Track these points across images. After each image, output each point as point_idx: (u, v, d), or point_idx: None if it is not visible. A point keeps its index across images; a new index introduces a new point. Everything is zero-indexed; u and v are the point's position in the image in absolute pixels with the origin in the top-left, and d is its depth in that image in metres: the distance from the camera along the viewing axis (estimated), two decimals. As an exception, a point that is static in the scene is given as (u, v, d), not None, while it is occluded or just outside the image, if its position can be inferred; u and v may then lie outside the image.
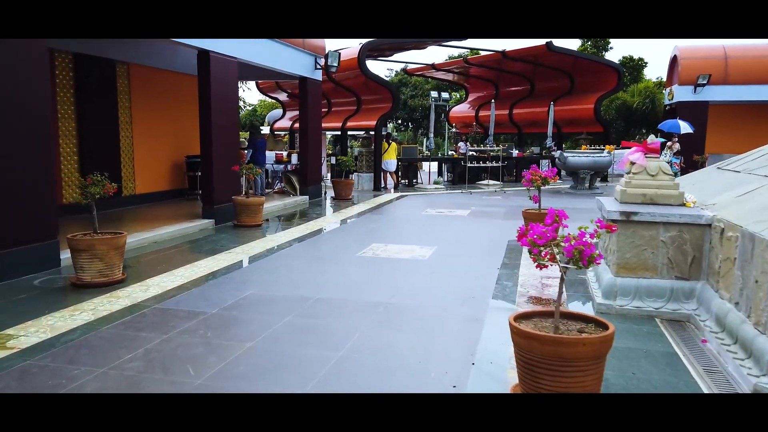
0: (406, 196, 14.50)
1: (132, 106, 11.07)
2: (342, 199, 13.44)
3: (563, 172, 20.00)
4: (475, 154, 20.05)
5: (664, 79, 26.20)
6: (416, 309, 4.92)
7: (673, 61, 21.14)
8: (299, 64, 12.38)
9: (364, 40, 15.81)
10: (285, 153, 13.73)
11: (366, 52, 15.18)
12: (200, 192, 11.97)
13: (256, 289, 5.48)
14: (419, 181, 17.95)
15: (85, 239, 5.45)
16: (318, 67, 13.19)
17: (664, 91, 23.44)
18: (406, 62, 24.58)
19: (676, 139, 17.26)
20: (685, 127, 17.32)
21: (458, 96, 33.32)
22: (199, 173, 11.88)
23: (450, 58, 33.04)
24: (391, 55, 19.99)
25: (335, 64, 13.01)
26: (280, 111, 25.28)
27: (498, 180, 19.12)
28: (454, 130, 25.36)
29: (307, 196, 13.10)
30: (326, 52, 13.10)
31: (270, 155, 13.45)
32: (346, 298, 5.23)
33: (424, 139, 34.13)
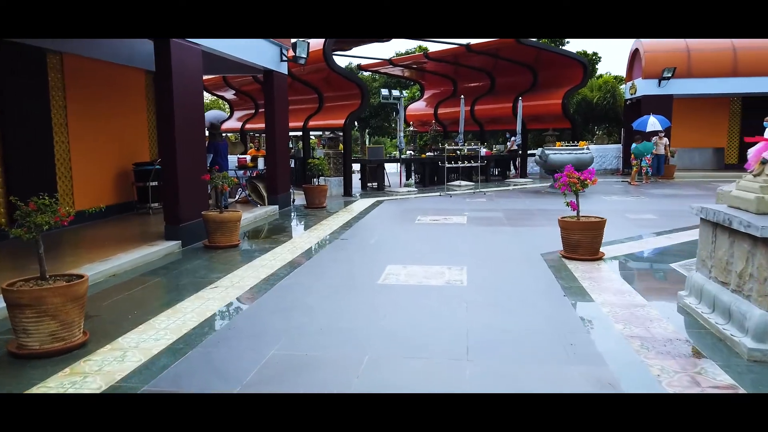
0: (382, 201, 13.21)
1: (67, 105, 9.17)
2: (315, 207, 11.98)
3: (541, 171, 19.40)
4: (442, 154, 19.04)
5: (617, 74, 26.24)
6: (511, 375, 3.65)
7: (634, 54, 20.92)
8: (264, 55, 10.82)
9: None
10: (248, 157, 12.08)
11: (332, 45, 13.75)
12: (152, 206, 10.23)
13: (278, 347, 4.03)
14: (388, 183, 16.69)
15: (30, 290, 3.83)
16: (284, 59, 11.66)
17: (623, 86, 23.31)
18: (360, 57, 23.23)
19: (663, 134, 16.90)
20: (653, 124, 16.97)
21: (409, 93, 32.31)
22: (151, 183, 10.14)
23: (407, 52, 31.94)
24: (351, 48, 18.61)
25: (304, 55, 11.54)
26: (218, 111, 23.38)
27: (469, 181, 18.18)
28: (411, 128, 24.22)
29: (277, 206, 11.56)
30: (293, 41, 11.59)
31: (232, 160, 11.80)
32: (407, 356, 3.88)
33: (388, 139, 32.90)
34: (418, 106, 25.75)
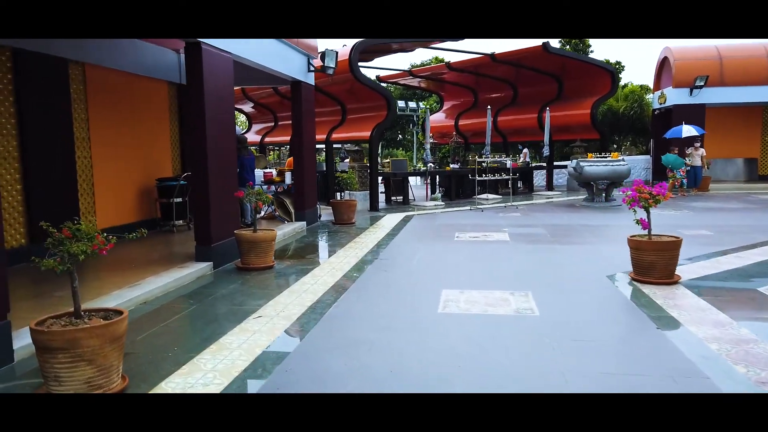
0: (411, 217, 12.65)
1: (90, 118, 8.72)
2: (344, 223, 11.44)
3: (575, 183, 18.77)
4: (466, 166, 18.50)
5: (640, 83, 25.62)
6: None
7: (663, 63, 20.34)
8: (292, 64, 10.35)
9: (349, 41, 13.94)
10: (274, 171, 11.57)
11: (358, 54, 13.29)
12: (176, 223, 9.73)
13: (348, 395, 3.46)
14: (412, 197, 16.15)
15: (63, 331, 3.29)
16: (311, 69, 11.19)
17: (650, 96, 22.71)
18: (379, 68, 22.79)
19: (699, 143, 16.26)
20: (689, 131, 16.35)
21: (426, 105, 31.86)
22: (175, 200, 9.65)
23: (422, 64, 31.55)
24: (373, 59, 18.17)
25: (332, 65, 11.05)
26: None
27: (495, 194, 17.60)
28: (430, 140, 23.67)
29: (305, 222, 11.03)
30: (321, 50, 11.13)
31: (258, 174, 11.30)
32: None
33: (402, 151, 32.35)
34: (438, 118, 25.23)
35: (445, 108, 25.04)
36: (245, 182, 9.57)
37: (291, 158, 11.98)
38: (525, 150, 25.70)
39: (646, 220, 6.22)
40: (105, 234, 3.47)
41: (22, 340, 4.19)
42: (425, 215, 12.97)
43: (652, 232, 6.23)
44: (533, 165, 20.54)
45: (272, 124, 19.92)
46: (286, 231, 10.05)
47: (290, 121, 19.52)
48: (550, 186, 19.05)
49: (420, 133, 32.59)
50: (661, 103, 20.00)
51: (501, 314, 5.05)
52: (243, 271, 7.13)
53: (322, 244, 9.51)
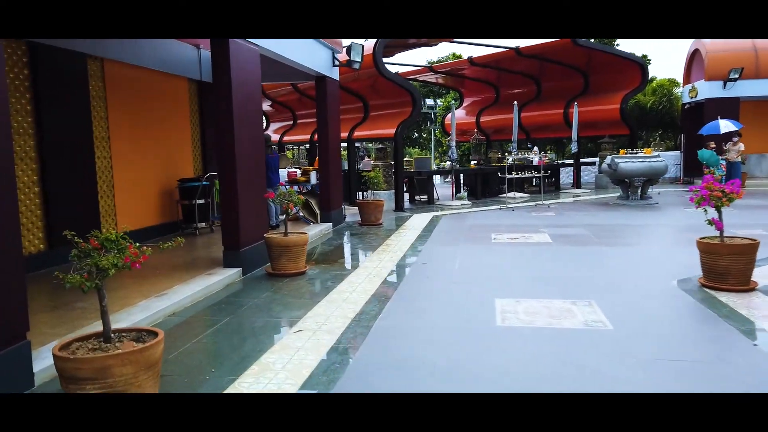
0: (440, 217, 12.14)
1: (109, 116, 8.31)
2: (371, 224, 10.96)
3: (604, 181, 18.15)
4: (490, 164, 17.97)
5: (670, 77, 24.81)
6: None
7: (693, 55, 19.61)
8: (317, 58, 9.88)
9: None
10: (299, 171, 11.11)
11: (382, 48, 12.79)
12: (198, 226, 9.31)
13: None
14: (437, 196, 15.62)
15: (92, 359, 2.83)
16: (336, 63, 10.71)
17: (678, 90, 21.97)
18: (397, 64, 22.27)
19: (737, 138, 15.58)
20: (726, 126, 15.66)
21: (444, 102, 31.29)
22: (198, 201, 9.23)
23: (439, 60, 30.95)
24: (394, 54, 17.66)
25: (358, 59, 10.58)
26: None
27: (522, 192, 17.03)
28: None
29: (331, 224, 10.57)
30: (347, 44, 10.65)
31: (281, 174, 10.85)
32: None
33: (418, 149, 31.78)
34: (458, 115, 24.63)
35: (465, 105, 24.47)
36: (270, 182, 9.14)
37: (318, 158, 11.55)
38: (535, 148, 24.79)
39: (719, 220, 5.66)
40: (137, 244, 3.01)
41: (42, 362, 3.75)
42: (453, 215, 12.45)
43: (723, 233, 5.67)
44: (558, 162, 19.89)
45: (291, 122, 19.50)
46: (313, 233, 9.59)
47: (309, 120, 19.20)
48: (577, 183, 18.42)
49: (438, 130, 32.06)
50: (691, 97, 19.28)
51: (569, 328, 4.53)
52: (274, 277, 6.68)
53: (353, 247, 9.03)
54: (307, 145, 17.32)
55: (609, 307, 5.02)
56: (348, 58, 10.48)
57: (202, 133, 10.86)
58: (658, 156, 13.73)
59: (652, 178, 13.45)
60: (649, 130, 22.51)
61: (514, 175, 14.41)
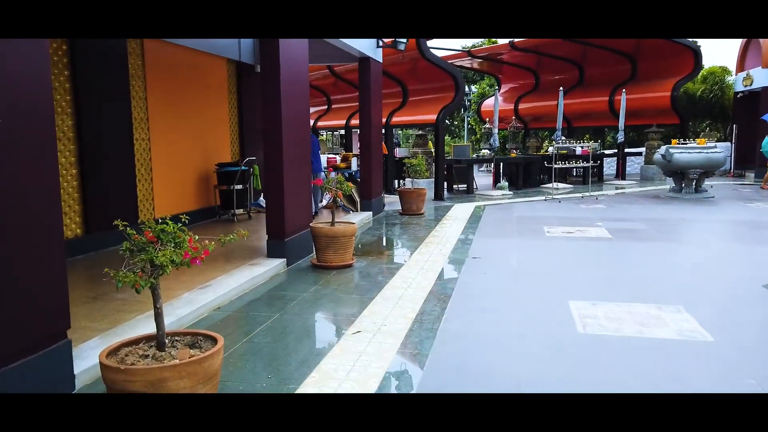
0: (483, 207, 11.61)
1: (148, 97, 7.98)
2: (412, 213, 10.50)
3: (649, 172, 17.37)
4: (530, 153, 17.35)
5: (721, 64, 23.64)
6: None
7: (748, 42, 18.56)
8: (361, 39, 9.39)
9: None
10: (338, 157, 10.67)
11: (426, 29, 12.20)
12: (236, 212, 8.97)
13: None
14: (475, 186, 15.06)
15: (145, 370, 2.44)
16: (380, 44, 10.22)
17: (730, 78, 20.90)
18: (435, 48, 21.62)
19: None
20: None
21: (479, 89, 30.50)
22: (236, 187, 8.88)
23: (473, 46, 30.10)
24: (431, 38, 17.05)
25: (404, 40, 10.06)
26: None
27: (564, 182, 16.36)
28: (486, 125, 22.39)
29: (371, 212, 10.14)
30: (392, 25, 10.12)
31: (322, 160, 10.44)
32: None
33: (449, 137, 31.01)
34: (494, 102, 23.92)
35: (502, 91, 23.69)
36: (313, 168, 8.76)
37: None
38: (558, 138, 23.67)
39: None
40: (197, 237, 2.60)
41: (83, 362, 3.40)
42: (497, 206, 11.91)
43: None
44: (601, 152, 19.09)
45: (325, 107, 19.06)
46: (354, 222, 9.15)
47: (344, 105, 18.74)
48: (623, 175, 17.63)
49: (472, 117, 31.32)
50: (745, 86, 18.28)
51: (663, 338, 4.02)
52: (320, 269, 6.28)
53: (397, 238, 8.59)
54: (342, 131, 16.89)
55: (701, 314, 4.48)
56: (393, 39, 9.97)
57: (239, 116, 10.50)
58: (715, 147, 12.93)
59: (710, 170, 12.68)
60: (697, 120, 21.49)
61: (561, 165, 13.74)
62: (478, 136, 30.89)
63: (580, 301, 4.91)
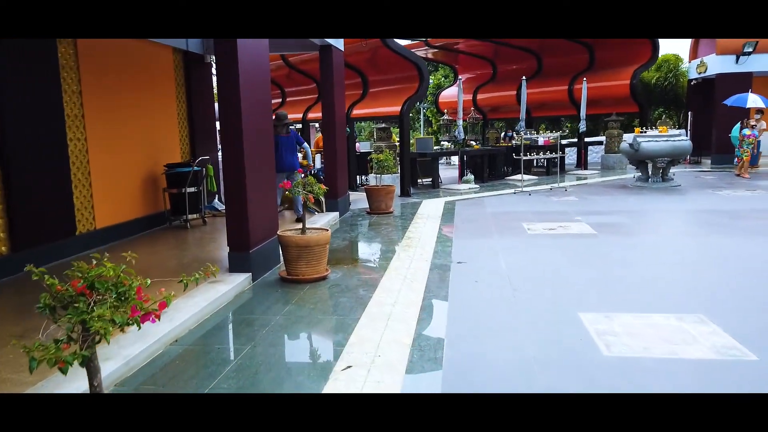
0: (453, 203, 11.09)
1: (83, 91, 7.00)
2: (381, 212, 9.85)
3: (610, 161, 17.29)
4: (496, 144, 17.00)
5: (673, 52, 23.93)
6: None
7: (702, 29, 18.72)
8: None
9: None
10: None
11: (387, 16, 11.52)
12: (189, 218, 8.12)
13: None
14: (440, 180, 14.54)
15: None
16: (342, 32, 9.45)
17: (683, 65, 21.13)
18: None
19: (760, 116, 14.76)
20: (755, 101, 14.83)
21: (434, 80, 30.03)
22: (188, 189, 8.03)
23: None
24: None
25: (367, 28, 9.32)
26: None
27: (529, 174, 16.04)
28: (445, 117, 21.92)
29: (337, 213, 9.44)
30: (354, 10, 9.39)
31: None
32: None
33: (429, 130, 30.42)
34: (452, 93, 23.47)
35: (457, 82, 23.28)
36: (292, 165, 8.04)
37: (320, 136, 10.36)
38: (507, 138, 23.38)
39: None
40: (148, 282, 1.87)
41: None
42: (466, 201, 11.41)
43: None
44: (562, 143, 18.93)
45: (279, 100, 18.12)
46: (320, 224, 8.43)
47: (299, 97, 17.84)
48: (584, 164, 17.49)
49: (428, 109, 30.88)
50: (699, 73, 18.45)
51: (700, 359, 3.52)
52: (291, 283, 5.55)
53: (371, 242, 7.91)
54: (299, 125, 16.05)
55: (729, 325, 4.03)
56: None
57: (189, 111, 9.56)
58: (680, 135, 12.83)
59: (676, 158, 12.57)
60: (651, 108, 21.68)
61: (528, 157, 13.36)
62: (435, 128, 30.49)
63: (590, 312, 4.38)
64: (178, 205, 8.34)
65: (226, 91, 5.30)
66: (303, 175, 6.38)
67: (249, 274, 5.53)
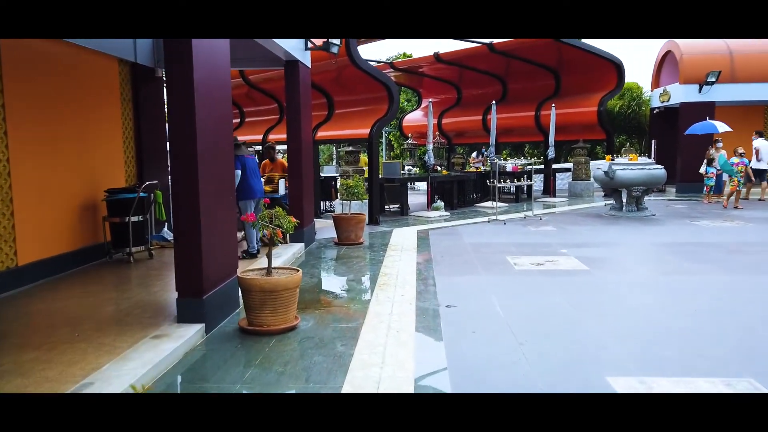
0: (426, 232, 10.37)
1: (5, 105, 5.95)
2: (351, 243, 9.02)
3: (578, 188, 17.00)
4: (463, 171, 16.49)
5: (634, 81, 24.21)
6: None
7: (664, 58, 18.87)
8: (287, 39, 7.85)
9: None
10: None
11: (356, 38, 10.87)
12: (133, 251, 7.11)
13: None
14: (409, 206, 13.82)
15: None
16: (309, 46, 8.72)
17: (647, 94, 21.28)
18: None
19: (720, 144, 14.68)
20: (722, 126, 14.82)
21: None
22: (132, 219, 7.02)
23: (395, 57, 29.21)
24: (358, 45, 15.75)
25: (337, 42, 8.62)
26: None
27: (498, 201, 15.53)
28: (409, 141, 21.36)
29: (303, 244, 8.55)
30: (323, 24, 8.65)
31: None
32: None
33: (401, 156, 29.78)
34: (416, 117, 23.07)
35: (424, 105, 22.84)
36: (254, 192, 7.16)
37: (282, 158, 9.51)
38: (481, 156, 23.04)
39: None
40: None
41: None
42: (439, 230, 10.70)
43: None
44: (530, 169, 18.62)
45: (237, 120, 17.16)
46: (284, 258, 7.52)
47: (259, 118, 16.92)
48: (553, 192, 17.13)
49: (391, 132, 30.40)
50: (662, 101, 18.53)
51: (777, 445, 2.81)
52: (253, 336, 4.63)
53: (344, 279, 7.02)
54: (258, 147, 15.12)
55: (786, 393, 3.37)
56: (325, 40, 8.50)
57: (137, 130, 8.54)
58: (653, 162, 12.56)
59: (651, 187, 12.26)
60: (615, 135, 21.77)
61: (501, 184, 12.81)
62: (397, 152, 29.98)
63: (621, 377, 3.66)
64: (120, 236, 7.28)
65: (178, 100, 4.41)
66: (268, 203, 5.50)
67: (202, 325, 4.59)
